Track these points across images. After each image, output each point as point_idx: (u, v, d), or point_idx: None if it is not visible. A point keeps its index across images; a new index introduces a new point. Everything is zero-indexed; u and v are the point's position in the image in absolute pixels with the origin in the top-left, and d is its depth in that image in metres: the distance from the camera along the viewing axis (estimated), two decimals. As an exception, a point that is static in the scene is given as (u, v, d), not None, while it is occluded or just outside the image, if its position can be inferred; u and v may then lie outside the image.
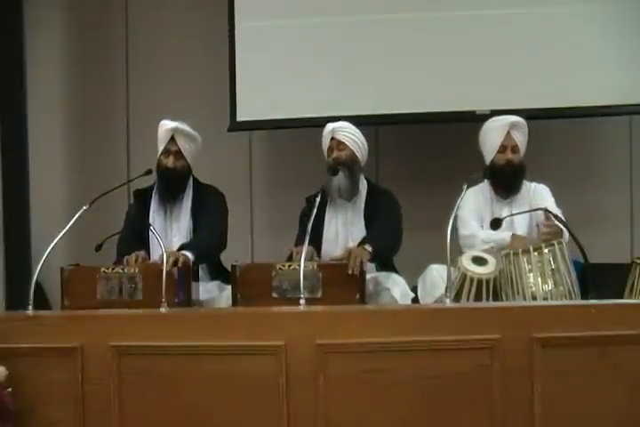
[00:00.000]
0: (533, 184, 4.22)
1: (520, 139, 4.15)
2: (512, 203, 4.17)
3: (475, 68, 5.05)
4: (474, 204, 4.15)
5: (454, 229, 3.78)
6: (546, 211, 3.91)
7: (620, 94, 4.94)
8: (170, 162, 4.23)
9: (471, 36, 5.06)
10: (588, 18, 4.99)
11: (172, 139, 4.23)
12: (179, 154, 4.24)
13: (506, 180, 4.16)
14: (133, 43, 5.83)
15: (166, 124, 4.24)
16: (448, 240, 3.52)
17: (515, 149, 4.14)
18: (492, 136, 4.18)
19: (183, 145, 4.24)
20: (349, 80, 5.14)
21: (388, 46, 5.13)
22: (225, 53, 5.30)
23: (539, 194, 4.16)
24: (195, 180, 4.36)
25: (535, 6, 5.01)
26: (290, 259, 3.95)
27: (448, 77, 5.06)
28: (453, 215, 3.73)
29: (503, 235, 3.99)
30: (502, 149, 4.15)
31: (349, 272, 3.74)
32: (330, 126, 4.26)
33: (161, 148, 4.26)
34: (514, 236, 4.00)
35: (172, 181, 4.27)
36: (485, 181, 4.23)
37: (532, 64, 4.99)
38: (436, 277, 3.93)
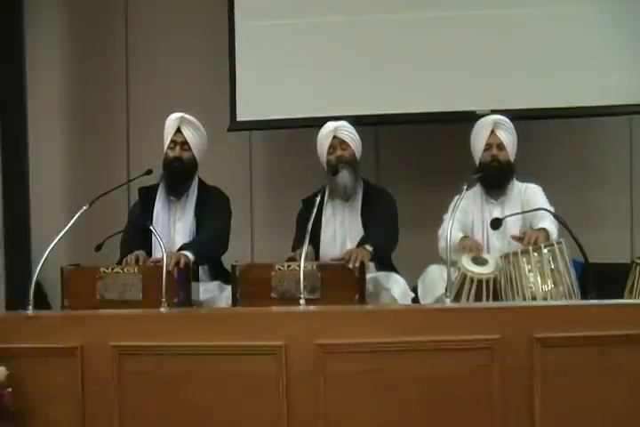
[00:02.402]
0: (525, 184, 4.21)
1: (505, 137, 4.14)
2: (504, 203, 4.16)
3: (475, 68, 5.05)
4: (459, 207, 4.10)
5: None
6: (543, 210, 3.93)
7: (621, 94, 4.94)
8: (176, 152, 4.23)
9: (471, 37, 5.06)
10: (589, 18, 4.99)
11: (178, 130, 4.23)
12: (185, 144, 4.23)
13: (493, 176, 4.13)
14: (133, 42, 5.83)
15: (172, 116, 4.25)
16: (448, 240, 3.52)
17: (500, 147, 4.14)
18: (478, 137, 4.20)
19: (189, 135, 4.23)
20: (349, 80, 5.14)
21: (387, 46, 5.13)
22: (225, 53, 5.30)
23: (531, 194, 4.14)
24: (200, 180, 4.35)
25: (535, 6, 5.01)
26: (290, 260, 3.94)
27: (448, 77, 5.06)
28: (453, 216, 3.74)
29: (458, 235, 3.97)
30: (488, 146, 4.16)
31: (349, 266, 3.74)
32: (331, 125, 4.27)
33: (167, 141, 4.26)
34: (463, 237, 3.99)
35: (177, 172, 4.24)
36: (478, 183, 4.23)
37: (532, 64, 4.99)
38: (437, 277, 3.93)
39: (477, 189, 4.23)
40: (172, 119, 4.25)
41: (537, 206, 4.01)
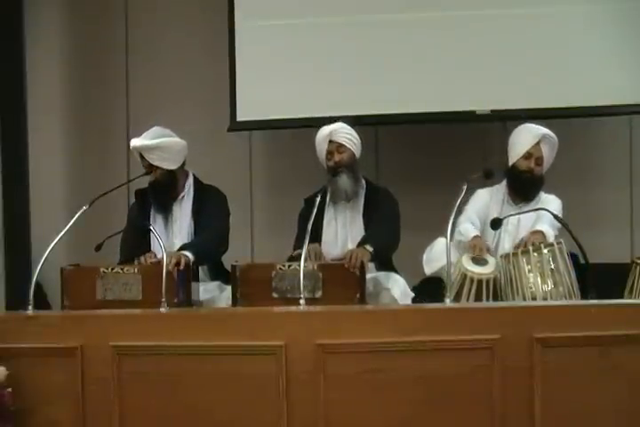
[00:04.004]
0: (547, 195, 4.22)
1: (547, 153, 4.14)
2: (522, 209, 4.15)
3: (475, 68, 5.04)
4: (482, 201, 4.17)
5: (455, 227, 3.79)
6: (543, 209, 3.94)
7: (620, 94, 4.94)
8: (150, 176, 4.25)
9: (471, 36, 5.05)
10: (589, 18, 4.99)
11: (141, 155, 4.23)
12: (152, 166, 4.23)
13: (521, 186, 4.16)
14: (133, 42, 5.83)
15: (131, 143, 4.25)
16: (448, 240, 3.52)
17: (539, 161, 4.14)
18: (521, 141, 4.18)
19: (152, 158, 4.20)
20: (349, 80, 5.14)
21: (387, 46, 5.12)
22: (225, 53, 5.30)
23: (546, 202, 4.15)
24: (196, 180, 4.35)
25: (536, 6, 5.01)
26: (291, 260, 3.93)
27: (448, 77, 5.06)
28: (453, 215, 3.73)
29: (471, 233, 3.99)
30: (528, 155, 4.15)
31: (351, 269, 3.74)
32: (326, 130, 4.23)
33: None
34: (475, 237, 4.00)
35: (159, 192, 4.26)
36: (503, 182, 4.24)
37: (532, 64, 4.99)
38: (444, 248, 3.92)
39: (502, 188, 4.24)
40: (132, 148, 4.25)
41: (543, 213, 4.01)
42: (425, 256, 4.03)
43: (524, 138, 4.18)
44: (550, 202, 4.15)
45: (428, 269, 3.96)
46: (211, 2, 5.58)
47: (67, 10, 5.90)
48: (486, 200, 4.17)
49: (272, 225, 5.59)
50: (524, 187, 4.17)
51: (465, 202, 4.02)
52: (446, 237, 3.52)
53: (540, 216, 4.00)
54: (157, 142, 4.19)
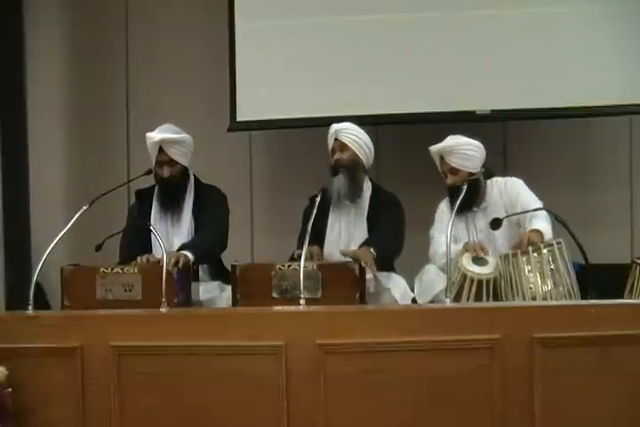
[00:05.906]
0: (504, 180, 4.17)
1: (454, 160, 4.09)
2: (486, 209, 4.13)
3: (475, 68, 5.04)
4: (445, 218, 4.06)
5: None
6: (540, 210, 3.94)
7: (620, 94, 4.94)
8: (165, 172, 4.21)
9: (471, 36, 5.05)
10: (589, 18, 4.99)
11: (161, 149, 4.19)
12: (172, 161, 4.21)
13: (461, 201, 3.94)
14: (133, 43, 5.84)
15: (151, 138, 4.19)
16: (448, 240, 3.52)
17: (453, 171, 4.11)
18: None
19: (173, 153, 4.19)
20: (350, 80, 5.14)
21: (388, 46, 5.13)
22: (225, 53, 5.30)
23: (512, 190, 4.10)
24: (196, 180, 4.35)
25: (536, 6, 5.01)
26: (292, 260, 3.93)
27: (448, 77, 5.06)
28: (453, 216, 3.73)
29: (455, 247, 3.89)
30: (444, 174, 4.17)
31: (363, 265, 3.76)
32: (334, 127, 4.24)
33: (153, 158, 4.24)
34: (466, 243, 3.98)
35: (172, 189, 4.25)
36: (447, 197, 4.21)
37: (532, 64, 4.99)
38: (434, 276, 3.93)
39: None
40: (153, 142, 4.18)
41: (521, 201, 4.01)
42: (416, 286, 4.02)
43: (435, 160, 4.19)
44: (517, 189, 4.09)
45: (422, 300, 3.94)
46: (211, 2, 5.58)
47: (67, 10, 5.90)
48: (448, 215, 4.06)
49: (272, 225, 5.59)
50: (463, 201, 3.94)
51: (461, 202, 3.92)
52: (447, 239, 3.53)
53: (536, 213, 3.96)
54: (183, 137, 4.21)
